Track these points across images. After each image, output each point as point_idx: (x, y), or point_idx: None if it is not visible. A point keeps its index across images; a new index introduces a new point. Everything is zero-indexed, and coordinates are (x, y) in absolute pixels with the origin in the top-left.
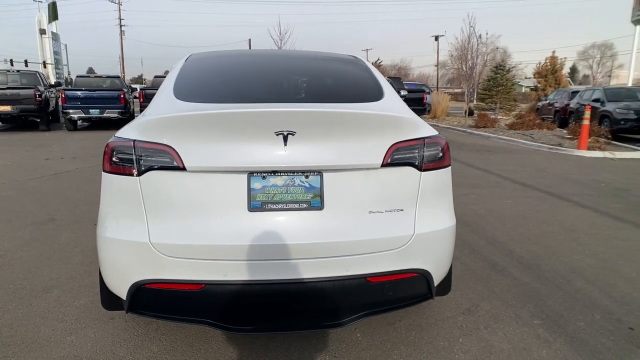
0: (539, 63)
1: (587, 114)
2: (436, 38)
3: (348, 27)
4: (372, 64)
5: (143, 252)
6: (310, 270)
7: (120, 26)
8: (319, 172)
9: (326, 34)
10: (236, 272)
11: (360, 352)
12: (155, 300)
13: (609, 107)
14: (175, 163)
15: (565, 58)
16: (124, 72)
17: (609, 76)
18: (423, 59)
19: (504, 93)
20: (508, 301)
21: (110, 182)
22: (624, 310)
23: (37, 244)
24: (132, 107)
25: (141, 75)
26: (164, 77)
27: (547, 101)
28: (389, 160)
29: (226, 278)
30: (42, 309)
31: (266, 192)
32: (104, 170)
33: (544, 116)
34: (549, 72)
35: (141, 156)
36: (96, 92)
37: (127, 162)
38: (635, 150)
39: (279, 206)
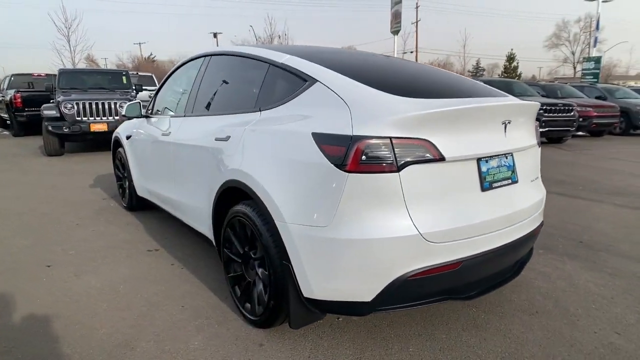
0: None
1: None
2: (214, 35)
3: (123, 18)
4: (145, 58)
5: (412, 244)
6: (519, 231)
7: None
8: (511, 153)
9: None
10: (482, 245)
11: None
12: (411, 290)
13: None
14: (430, 155)
15: None
16: None
17: None
18: None
19: None
20: None
21: (359, 182)
22: None
23: None
24: None
25: None
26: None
27: None
28: (537, 140)
29: (476, 252)
30: None
31: (490, 173)
32: (348, 171)
33: None
34: None
35: (399, 152)
36: None
37: (384, 160)
38: None
39: (497, 184)
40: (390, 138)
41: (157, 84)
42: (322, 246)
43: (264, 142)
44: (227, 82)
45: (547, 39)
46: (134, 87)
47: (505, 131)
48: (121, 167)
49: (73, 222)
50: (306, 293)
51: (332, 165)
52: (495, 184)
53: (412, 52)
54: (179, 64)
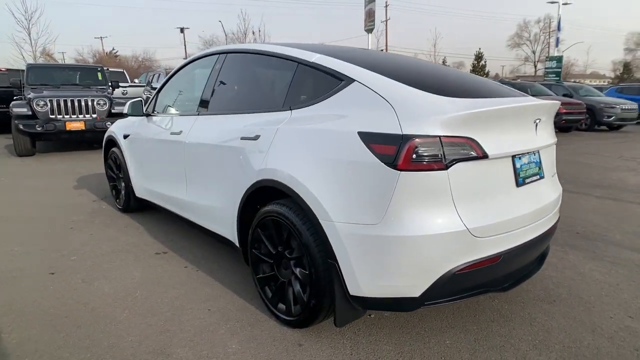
0: None
1: None
2: (182, 30)
3: (84, 10)
4: (107, 53)
5: (460, 239)
6: (545, 225)
7: None
8: (538, 150)
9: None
10: (518, 239)
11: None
12: (457, 284)
13: None
14: (474, 153)
15: None
16: None
17: None
18: (170, 50)
19: None
20: None
21: (410, 180)
22: None
23: None
24: None
25: None
26: None
27: None
28: (555, 139)
29: (513, 245)
30: None
31: (523, 169)
32: (399, 169)
33: None
34: None
35: (447, 150)
36: None
37: (434, 158)
38: None
39: (528, 180)
40: (440, 137)
41: (129, 81)
42: (372, 244)
43: (301, 141)
44: (248, 80)
45: (510, 38)
46: (110, 84)
47: (536, 129)
48: (115, 168)
49: (66, 226)
50: (353, 291)
51: (383, 163)
52: (527, 180)
53: (382, 50)
54: (186, 61)
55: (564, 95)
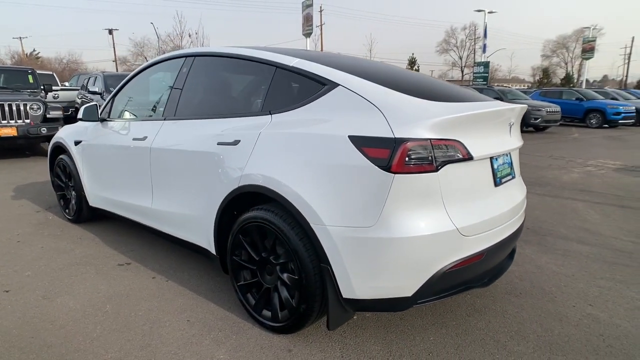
0: None
1: None
2: (110, 31)
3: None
4: (27, 55)
5: (450, 238)
6: (518, 222)
7: None
8: (510, 152)
9: None
10: (499, 236)
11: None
12: (446, 282)
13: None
14: (460, 155)
15: None
16: None
17: None
18: (98, 53)
19: None
20: None
21: (403, 182)
22: None
23: None
24: None
25: None
26: None
27: None
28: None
29: (495, 242)
30: None
31: (499, 170)
32: (394, 172)
33: None
34: None
35: (437, 153)
36: None
37: (425, 160)
38: None
39: (504, 180)
40: (430, 140)
41: (59, 84)
42: (366, 246)
43: (286, 145)
44: (221, 85)
45: (438, 44)
46: (42, 87)
47: (510, 132)
48: (64, 176)
49: (12, 240)
50: (346, 294)
51: (376, 167)
52: (503, 180)
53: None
54: (145, 65)
55: (495, 98)
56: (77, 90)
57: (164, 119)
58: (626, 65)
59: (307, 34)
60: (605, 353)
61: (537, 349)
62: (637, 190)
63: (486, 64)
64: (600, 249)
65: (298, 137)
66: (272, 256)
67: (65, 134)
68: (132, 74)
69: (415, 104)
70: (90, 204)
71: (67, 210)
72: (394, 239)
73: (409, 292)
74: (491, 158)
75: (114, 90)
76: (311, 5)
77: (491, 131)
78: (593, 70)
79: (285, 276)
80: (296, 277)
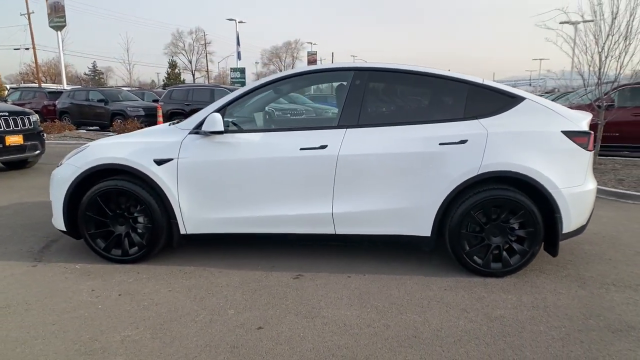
0: None
1: None
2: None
3: None
4: None
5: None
6: None
7: None
8: None
9: None
10: None
11: None
12: None
13: None
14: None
15: None
16: None
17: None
18: None
19: None
20: None
21: (590, 157)
22: None
23: None
24: None
25: None
26: None
27: None
28: None
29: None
30: None
31: None
32: (589, 150)
33: None
34: None
35: (589, 139)
36: None
37: (590, 144)
38: None
39: None
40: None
41: None
42: (580, 197)
43: (514, 140)
44: (412, 97)
45: (166, 46)
46: None
47: None
48: (114, 207)
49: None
50: (565, 229)
51: (582, 149)
52: None
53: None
54: (275, 77)
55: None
56: None
57: (345, 127)
58: None
59: (57, 27)
60: None
61: None
62: None
63: (242, 70)
64: None
65: (522, 134)
66: (502, 221)
67: (127, 153)
68: (255, 86)
69: (567, 109)
70: (188, 232)
71: (114, 251)
72: (591, 190)
73: (585, 221)
74: None
75: (222, 103)
76: None
77: None
78: None
79: (520, 232)
80: (531, 230)
